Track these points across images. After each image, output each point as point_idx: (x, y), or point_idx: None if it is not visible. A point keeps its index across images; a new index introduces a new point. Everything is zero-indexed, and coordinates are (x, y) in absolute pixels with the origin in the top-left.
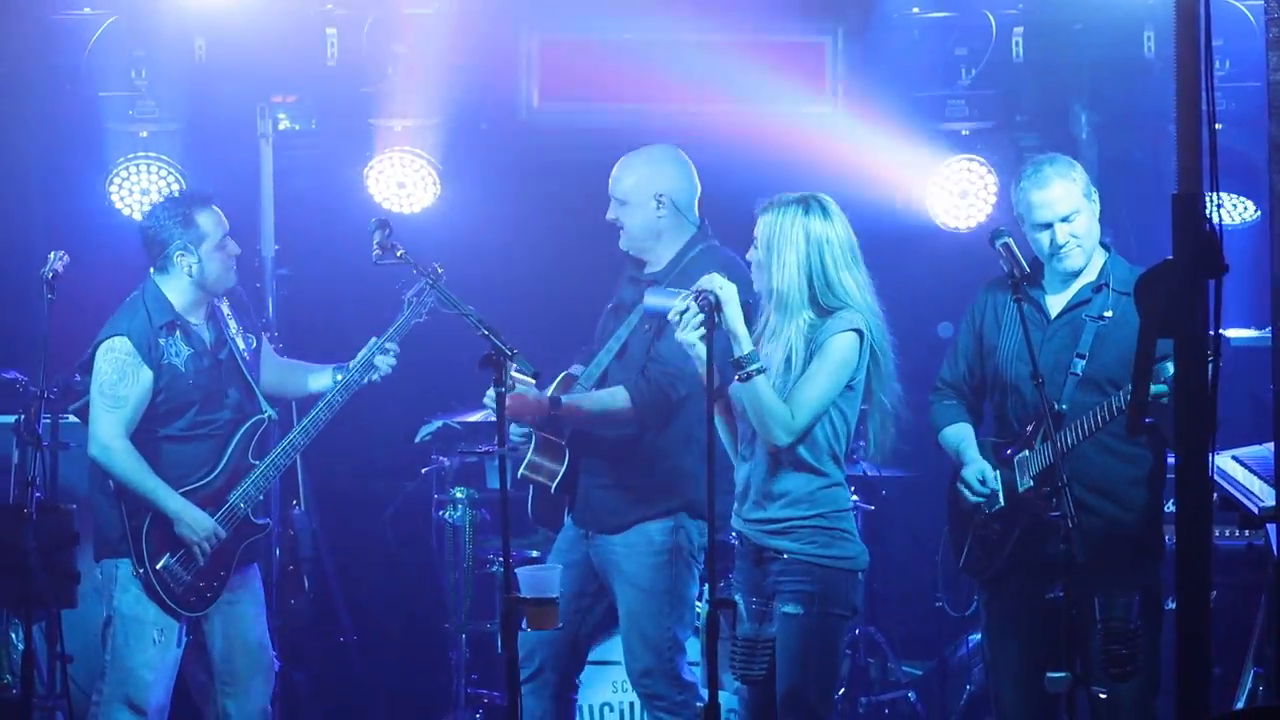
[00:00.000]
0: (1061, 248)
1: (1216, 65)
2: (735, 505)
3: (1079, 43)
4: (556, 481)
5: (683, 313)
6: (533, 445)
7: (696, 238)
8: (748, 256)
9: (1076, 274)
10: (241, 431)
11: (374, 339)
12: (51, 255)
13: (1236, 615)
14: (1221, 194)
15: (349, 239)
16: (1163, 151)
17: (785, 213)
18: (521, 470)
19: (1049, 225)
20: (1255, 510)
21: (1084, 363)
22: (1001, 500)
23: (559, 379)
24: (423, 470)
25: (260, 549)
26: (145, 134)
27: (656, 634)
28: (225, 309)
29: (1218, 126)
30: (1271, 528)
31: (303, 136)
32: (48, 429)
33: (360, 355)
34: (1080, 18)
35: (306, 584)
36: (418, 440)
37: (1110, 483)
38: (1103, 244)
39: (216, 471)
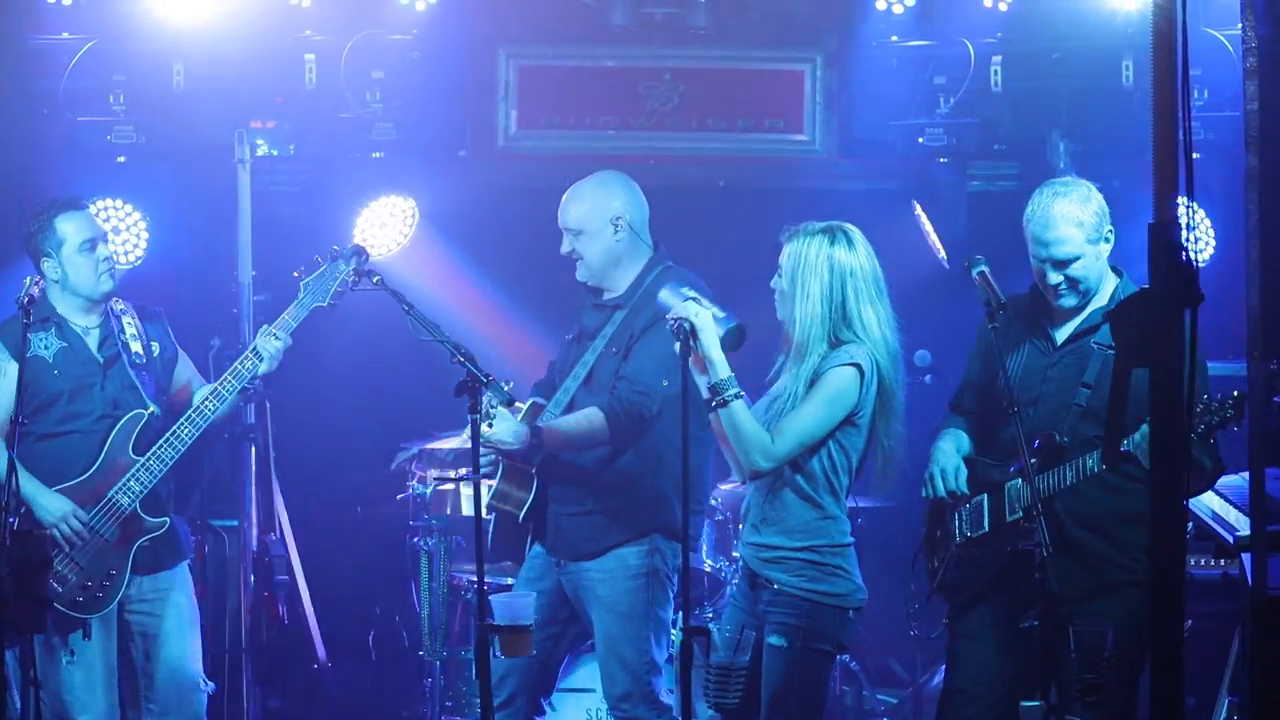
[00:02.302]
0: (1054, 288)
1: (1194, 94)
2: (740, 526)
3: (1057, 72)
4: (525, 510)
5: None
6: (500, 473)
7: (653, 260)
8: (771, 284)
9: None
10: (119, 427)
11: (265, 326)
12: (27, 280)
13: (1212, 645)
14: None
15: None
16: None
17: (810, 242)
18: (489, 499)
19: (1043, 262)
20: (1230, 540)
21: (1089, 394)
22: (986, 526)
23: (526, 408)
24: (398, 497)
25: (173, 556)
26: (123, 159)
27: (634, 658)
28: (128, 318)
29: (1195, 156)
30: (1246, 557)
31: (281, 162)
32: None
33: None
34: (1059, 47)
35: (282, 610)
36: (393, 466)
37: (1101, 519)
38: (1114, 269)
39: (94, 469)
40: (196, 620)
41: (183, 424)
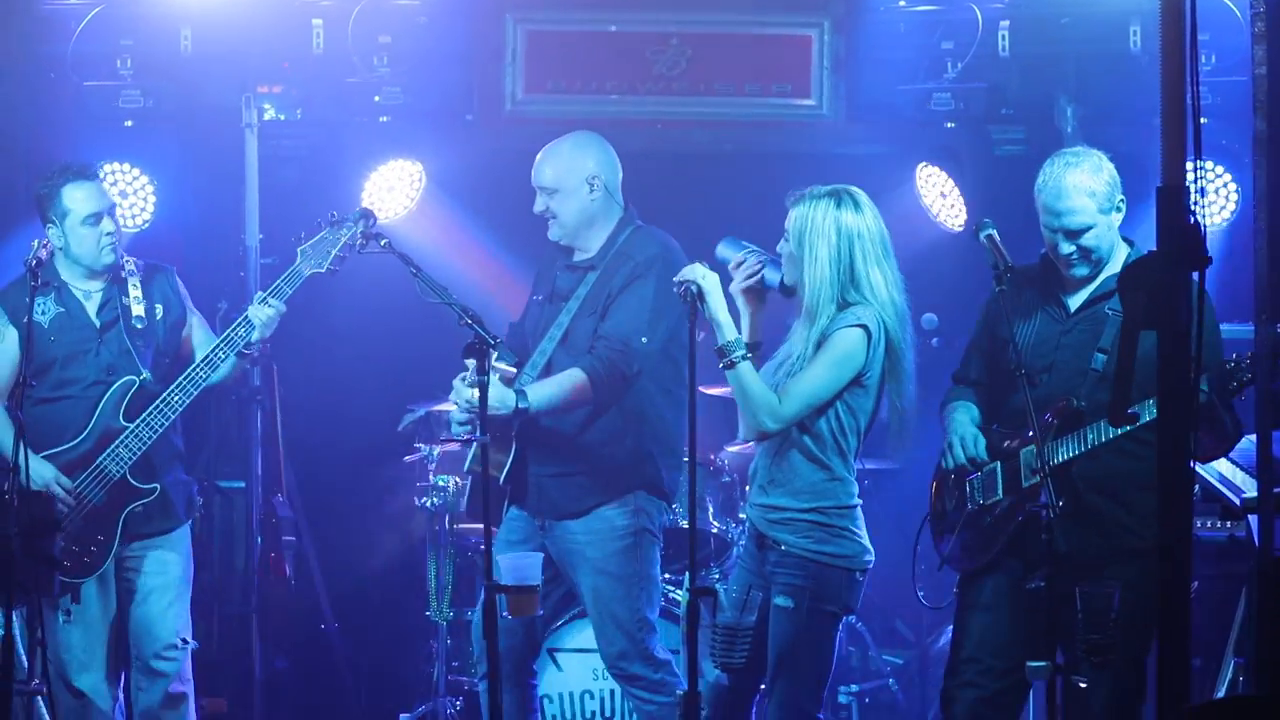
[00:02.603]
0: (1066, 257)
1: (1202, 59)
2: (748, 487)
3: (1065, 37)
4: (504, 472)
5: (740, 264)
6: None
7: (624, 220)
8: (778, 249)
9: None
10: (110, 394)
11: (259, 293)
12: (35, 243)
13: (1217, 607)
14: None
15: None
16: (1148, 145)
17: (817, 206)
18: (468, 464)
19: (1055, 232)
20: (1237, 502)
21: (1105, 359)
22: (1000, 493)
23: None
24: (405, 459)
25: (166, 520)
26: (130, 123)
27: (627, 617)
28: (133, 280)
29: (1203, 120)
30: (1253, 519)
31: (288, 126)
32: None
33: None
34: (1067, 11)
35: (288, 572)
36: (400, 428)
37: (1117, 484)
38: (1125, 239)
39: (84, 434)
40: (185, 581)
41: (173, 391)
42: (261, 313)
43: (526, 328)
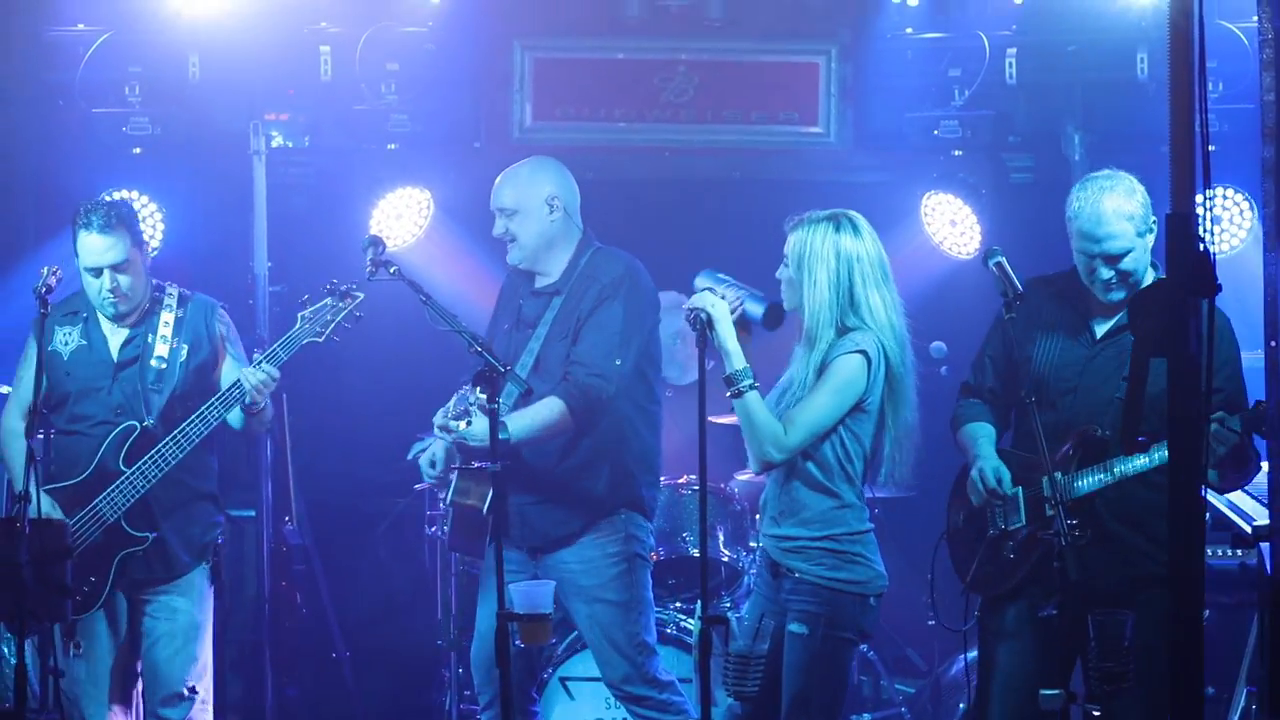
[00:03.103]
0: (1105, 282)
1: (1210, 87)
2: (759, 517)
3: (1072, 64)
4: (487, 503)
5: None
6: (459, 470)
7: (584, 242)
8: (777, 275)
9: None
10: (113, 435)
11: (256, 354)
12: (44, 270)
13: (1229, 635)
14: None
15: (342, 256)
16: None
17: (816, 230)
18: (450, 496)
19: (1094, 258)
20: (1248, 529)
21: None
22: (1023, 519)
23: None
24: (415, 487)
25: (166, 569)
26: (138, 150)
27: (626, 641)
28: (166, 315)
29: (1211, 148)
30: (1264, 547)
31: (296, 154)
32: (41, 444)
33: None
34: (1074, 39)
35: (299, 600)
36: (410, 457)
37: (1139, 513)
38: (1153, 263)
39: (87, 472)
40: (194, 628)
41: (168, 444)
42: (253, 376)
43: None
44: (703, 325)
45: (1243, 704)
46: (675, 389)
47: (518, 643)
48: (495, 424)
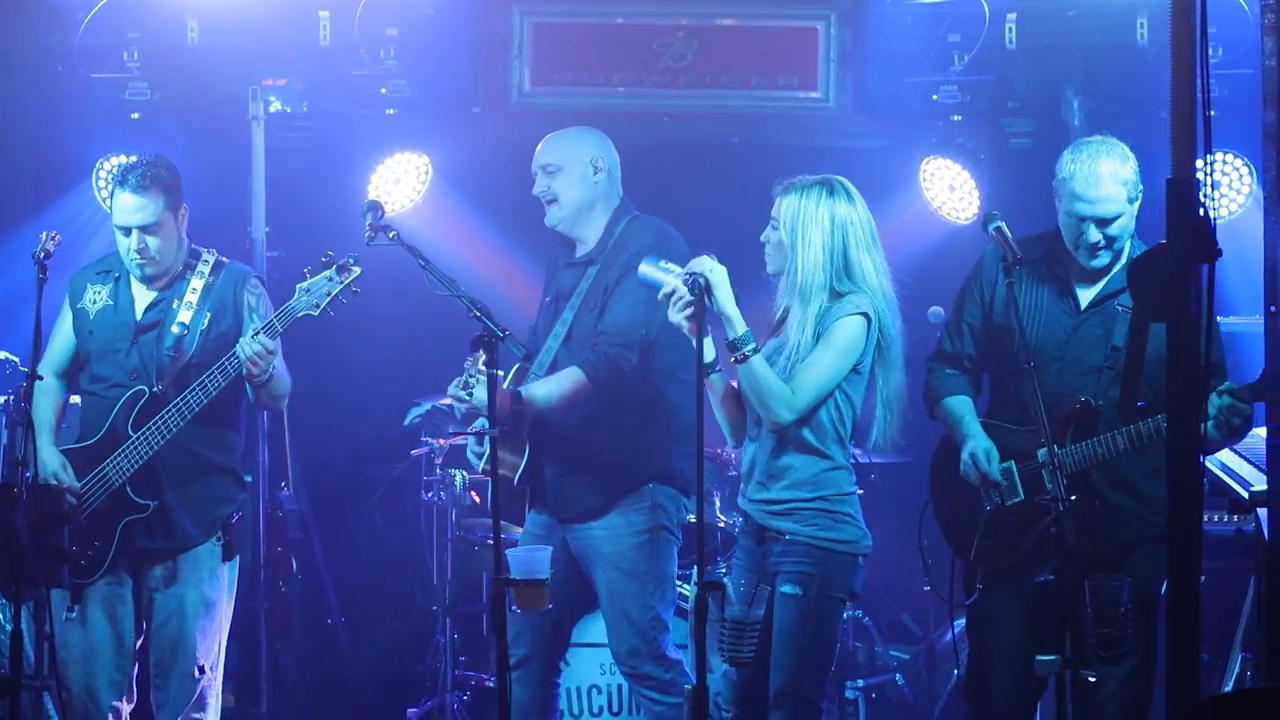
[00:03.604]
0: (1093, 246)
1: (1210, 52)
2: (741, 485)
3: (1072, 29)
4: (519, 473)
5: (670, 294)
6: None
7: (621, 209)
8: (763, 238)
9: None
10: (123, 399)
11: (252, 326)
12: (43, 235)
13: (1224, 601)
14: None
15: (341, 221)
16: (1155, 138)
17: (809, 194)
18: (482, 465)
19: (1084, 220)
20: (1245, 495)
21: (1118, 356)
22: (1020, 493)
23: (513, 372)
24: (412, 453)
25: (170, 539)
26: (137, 116)
27: (640, 614)
28: (196, 280)
29: (1211, 113)
30: (1261, 512)
31: (294, 119)
32: (60, 405)
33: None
34: (1074, 4)
35: (295, 566)
36: (407, 423)
37: (1130, 476)
38: (1131, 233)
39: (100, 435)
40: (204, 605)
41: (169, 412)
42: (248, 347)
43: (539, 330)
44: (700, 290)
45: (1237, 670)
46: None
47: (514, 608)
48: (494, 389)
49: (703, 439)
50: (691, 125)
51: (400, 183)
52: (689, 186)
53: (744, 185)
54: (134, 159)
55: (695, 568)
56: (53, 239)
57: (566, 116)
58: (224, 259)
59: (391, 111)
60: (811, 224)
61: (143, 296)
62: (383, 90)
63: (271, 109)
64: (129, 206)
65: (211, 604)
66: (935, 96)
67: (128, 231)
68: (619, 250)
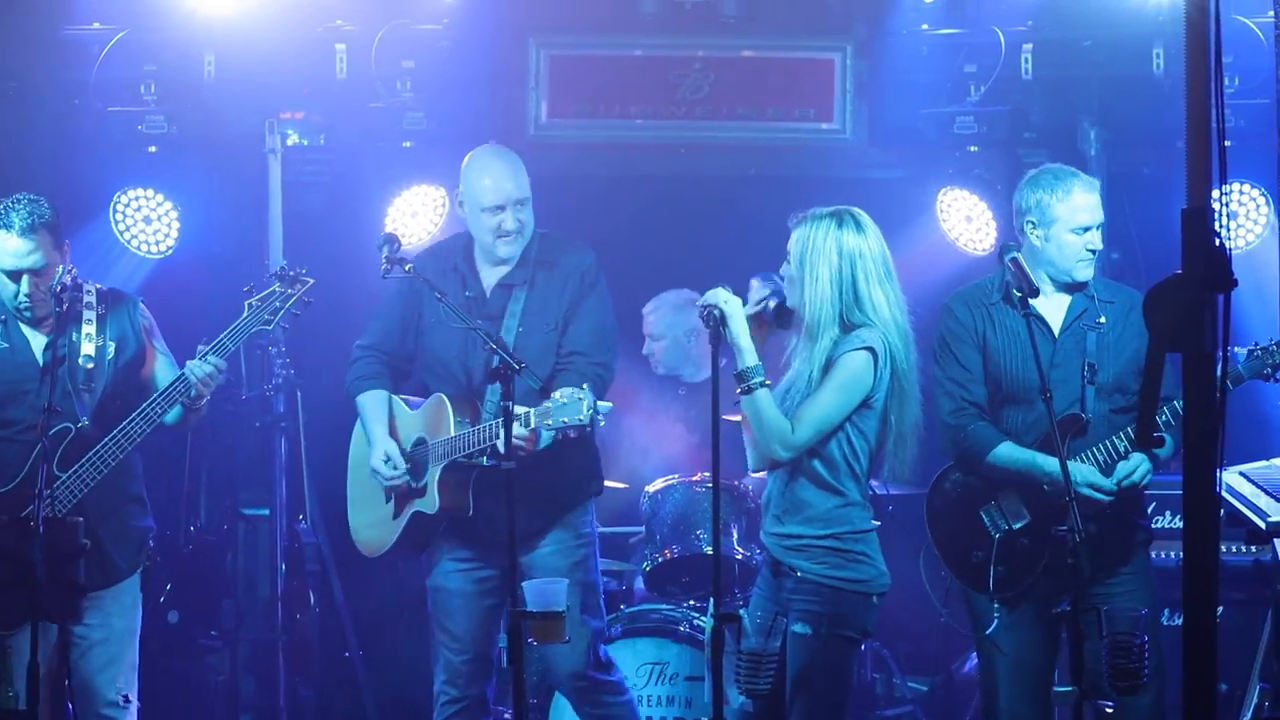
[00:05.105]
0: (1091, 255)
1: (1226, 82)
2: (762, 518)
3: (1088, 60)
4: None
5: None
6: (438, 476)
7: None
8: (780, 272)
9: (1069, 285)
10: (46, 439)
11: (201, 345)
12: (59, 268)
13: (1242, 631)
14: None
15: (358, 254)
16: (1171, 168)
17: (818, 226)
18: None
19: (1086, 229)
20: (1263, 525)
21: (1095, 370)
22: (1027, 517)
23: (430, 403)
24: None
25: (102, 575)
26: (154, 149)
27: (582, 622)
28: (89, 314)
29: (1227, 143)
30: (1278, 543)
31: (312, 152)
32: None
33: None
34: (1089, 35)
35: (312, 599)
36: None
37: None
38: None
39: (19, 479)
40: (127, 634)
41: (108, 444)
42: (199, 369)
43: (435, 353)
44: (715, 322)
45: (1255, 700)
46: (689, 386)
47: (531, 641)
48: (510, 421)
49: (719, 469)
50: (708, 157)
51: (417, 215)
52: (706, 218)
53: (760, 217)
54: (16, 199)
55: (711, 600)
56: (69, 272)
57: (583, 148)
58: (104, 288)
59: (408, 144)
60: (819, 256)
61: (36, 336)
62: (400, 123)
63: (289, 142)
64: (19, 250)
65: (134, 634)
66: (952, 127)
67: (16, 276)
68: (551, 267)
